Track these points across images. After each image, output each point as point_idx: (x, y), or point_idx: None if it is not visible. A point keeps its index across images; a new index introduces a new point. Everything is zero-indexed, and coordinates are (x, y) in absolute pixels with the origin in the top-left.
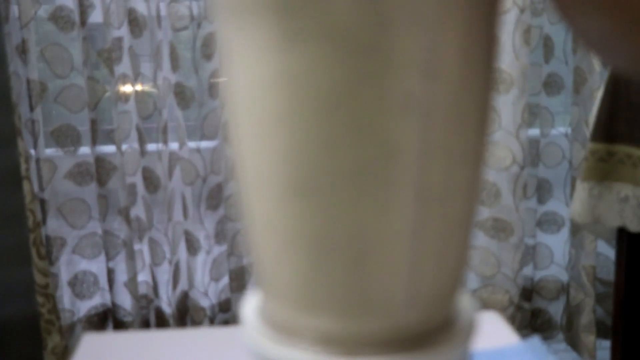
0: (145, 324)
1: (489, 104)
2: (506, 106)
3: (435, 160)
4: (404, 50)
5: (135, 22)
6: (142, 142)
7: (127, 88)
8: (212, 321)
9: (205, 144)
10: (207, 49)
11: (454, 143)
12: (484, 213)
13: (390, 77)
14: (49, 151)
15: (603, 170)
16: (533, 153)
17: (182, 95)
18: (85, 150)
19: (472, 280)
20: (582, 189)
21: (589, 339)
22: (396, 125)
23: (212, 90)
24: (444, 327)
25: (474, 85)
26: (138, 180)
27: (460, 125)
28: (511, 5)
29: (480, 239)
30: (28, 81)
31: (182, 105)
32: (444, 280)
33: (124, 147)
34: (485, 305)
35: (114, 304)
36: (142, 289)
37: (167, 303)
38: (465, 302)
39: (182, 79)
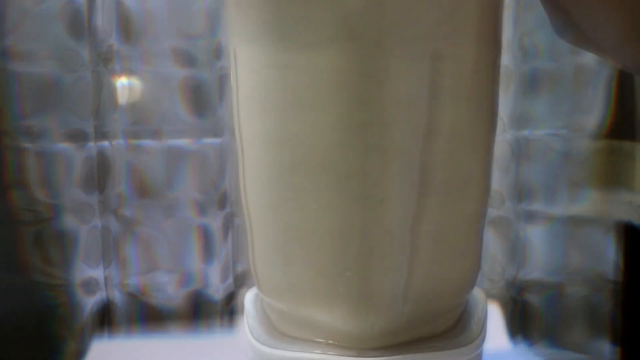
0: (146, 325)
1: (495, 98)
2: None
3: (440, 154)
4: (405, 44)
5: (137, 24)
6: (144, 143)
7: (128, 89)
8: (219, 317)
9: (208, 143)
10: (212, 50)
11: (460, 134)
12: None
13: (391, 67)
14: (52, 150)
15: (606, 169)
16: (529, 151)
17: (186, 94)
18: (88, 150)
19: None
20: (586, 188)
21: (584, 337)
22: (401, 116)
23: (219, 90)
24: (456, 326)
25: (478, 80)
26: (140, 181)
27: (467, 117)
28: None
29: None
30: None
31: (186, 105)
32: (452, 281)
33: (125, 146)
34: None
35: (115, 305)
36: (144, 290)
37: (169, 302)
38: (478, 298)
39: (185, 79)
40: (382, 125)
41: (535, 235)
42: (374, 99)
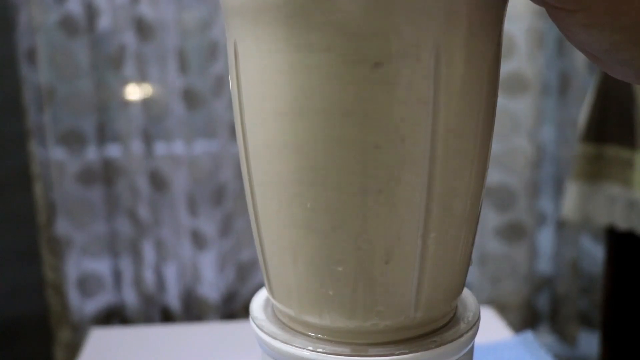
0: (152, 321)
1: (493, 104)
2: (524, 108)
3: (443, 160)
4: (407, 45)
5: (143, 27)
6: (149, 143)
7: (134, 92)
8: (218, 313)
9: (211, 144)
10: (214, 51)
11: (461, 142)
12: (500, 216)
13: (394, 69)
14: (58, 153)
15: (593, 170)
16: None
17: (189, 97)
18: (93, 152)
19: (486, 282)
20: (572, 189)
21: (572, 329)
22: (404, 118)
23: (219, 91)
24: (449, 323)
25: (479, 83)
26: (145, 180)
27: (467, 124)
28: (525, 8)
29: (495, 242)
30: (37, 86)
31: (189, 107)
32: (449, 281)
33: (131, 148)
34: (500, 306)
35: (121, 302)
36: (149, 287)
37: (174, 299)
38: (468, 298)
39: (189, 82)
40: (392, 123)
41: (540, 236)
42: (386, 99)
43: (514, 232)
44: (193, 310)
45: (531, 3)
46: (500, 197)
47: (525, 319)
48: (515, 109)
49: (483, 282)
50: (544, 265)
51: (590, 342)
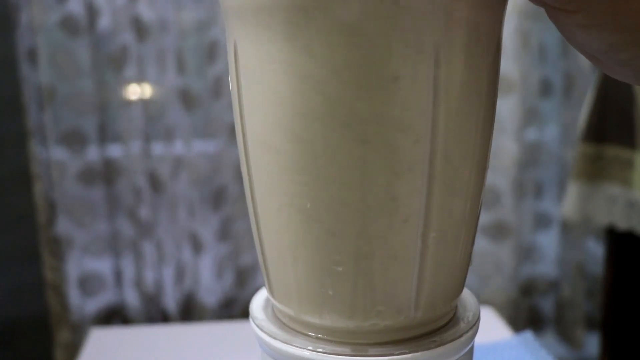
0: (153, 321)
1: (493, 104)
2: (509, 108)
3: (442, 160)
4: (407, 46)
5: (141, 28)
6: (148, 144)
7: (133, 92)
8: (217, 318)
9: (210, 145)
10: (212, 52)
11: (461, 142)
12: (487, 215)
13: (394, 69)
14: (59, 153)
15: (593, 170)
16: (531, 154)
17: (187, 98)
18: (93, 152)
19: (473, 281)
20: (572, 188)
21: (578, 332)
22: (404, 117)
23: (217, 92)
24: (449, 323)
25: (479, 83)
26: (145, 181)
27: (467, 125)
28: (512, 8)
29: (482, 240)
30: (38, 86)
31: (188, 108)
32: (449, 281)
33: (131, 149)
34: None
35: (121, 303)
36: (149, 288)
37: (172, 301)
38: (468, 298)
39: (188, 82)
40: (392, 123)
41: (539, 236)
42: (385, 98)
43: (498, 232)
44: (190, 315)
45: (517, 3)
46: (486, 197)
47: (511, 318)
48: (500, 110)
49: (468, 280)
50: (549, 268)
51: (596, 345)
